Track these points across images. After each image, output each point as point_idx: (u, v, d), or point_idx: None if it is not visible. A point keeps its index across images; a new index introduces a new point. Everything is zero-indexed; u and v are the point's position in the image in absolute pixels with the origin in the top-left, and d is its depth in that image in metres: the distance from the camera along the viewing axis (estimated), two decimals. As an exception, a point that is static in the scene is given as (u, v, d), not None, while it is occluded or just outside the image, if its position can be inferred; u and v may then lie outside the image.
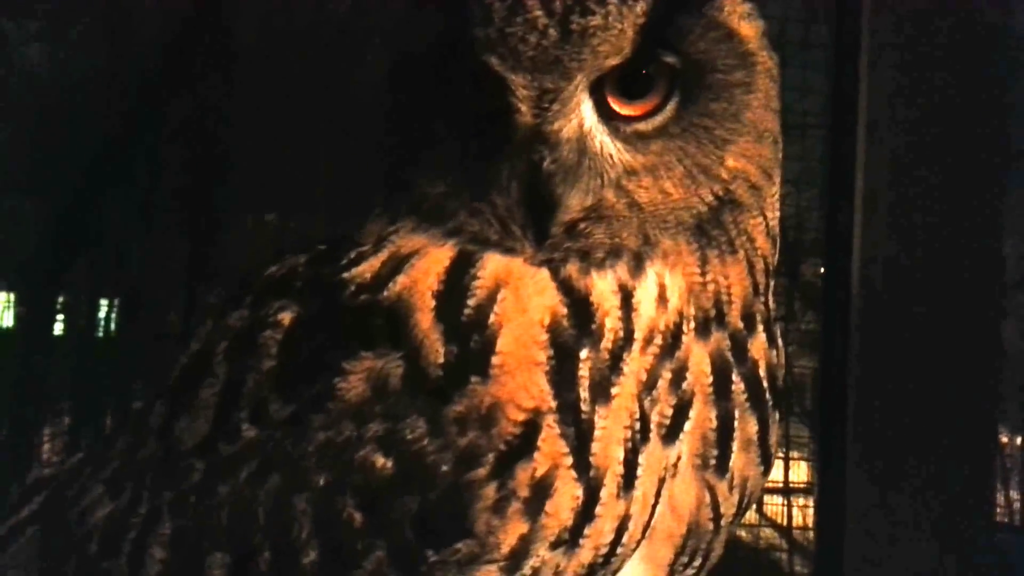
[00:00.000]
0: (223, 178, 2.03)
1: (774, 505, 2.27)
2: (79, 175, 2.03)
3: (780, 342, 0.72)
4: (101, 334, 2.20)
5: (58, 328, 2.23)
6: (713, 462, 0.67)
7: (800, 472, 2.24)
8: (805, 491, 2.23)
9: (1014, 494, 2.26)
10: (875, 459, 1.77)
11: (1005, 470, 2.24)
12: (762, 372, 0.69)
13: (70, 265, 2.17)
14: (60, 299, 2.20)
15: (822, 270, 1.94)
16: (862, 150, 1.80)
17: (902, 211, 1.81)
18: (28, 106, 2.03)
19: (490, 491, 0.60)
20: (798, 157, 1.91)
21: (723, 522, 0.69)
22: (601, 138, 0.63)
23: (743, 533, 2.14)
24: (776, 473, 2.21)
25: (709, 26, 0.64)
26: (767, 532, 2.25)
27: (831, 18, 1.88)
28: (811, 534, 2.17)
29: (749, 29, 0.66)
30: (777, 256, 0.71)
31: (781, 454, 2.19)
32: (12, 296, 2.25)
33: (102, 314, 2.20)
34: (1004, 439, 2.25)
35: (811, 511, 2.18)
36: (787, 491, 2.25)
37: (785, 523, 2.27)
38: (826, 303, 1.87)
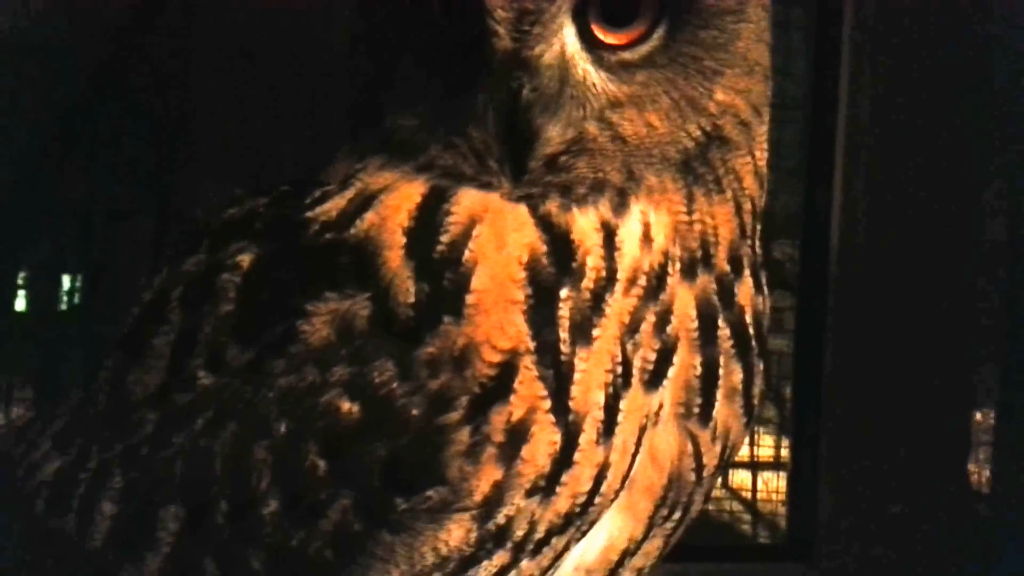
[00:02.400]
0: (187, 148, 2.00)
1: (740, 478, 2.30)
2: (40, 149, 2.00)
3: (766, 289, 0.69)
4: (65, 308, 2.17)
5: (20, 304, 2.19)
6: (696, 411, 0.64)
7: (767, 447, 2.26)
8: (771, 466, 2.25)
9: (985, 468, 2.29)
10: (849, 436, 1.78)
11: (977, 445, 2.27)
12: (748, 319, 0.66)
13: (32, 241, 2.13)
14: (22, 274, 2.17)
15: (797, 250, 1.94)
16: (841, 132, 1.81)
17: (879, 192, 1.82)
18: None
19: (463, 435, 0.57)
20: (773, 139, 1.92)
21: (705, 473, 0.66)
22: (584, 66, 0.60)
23: (710, 506, 2.16)
24: (743, 449, 2.23)
25: None
26: (734, 505, 2.27)
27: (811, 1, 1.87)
28: (778, 508, 2.19)
29: None
30: (765, 197, 0.67)
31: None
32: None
33: (65, 288, 2.17)
34: (978, 416, 2.28)
35: (776, 484, 2.21)
36: (754, 465, 2.27)
37: (751, 497, 2.29)
38: (802, 281, 1.88)
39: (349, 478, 0.58)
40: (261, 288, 0.62)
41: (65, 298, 2.17)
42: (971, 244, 2.03)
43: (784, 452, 2.21)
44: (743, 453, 2.23)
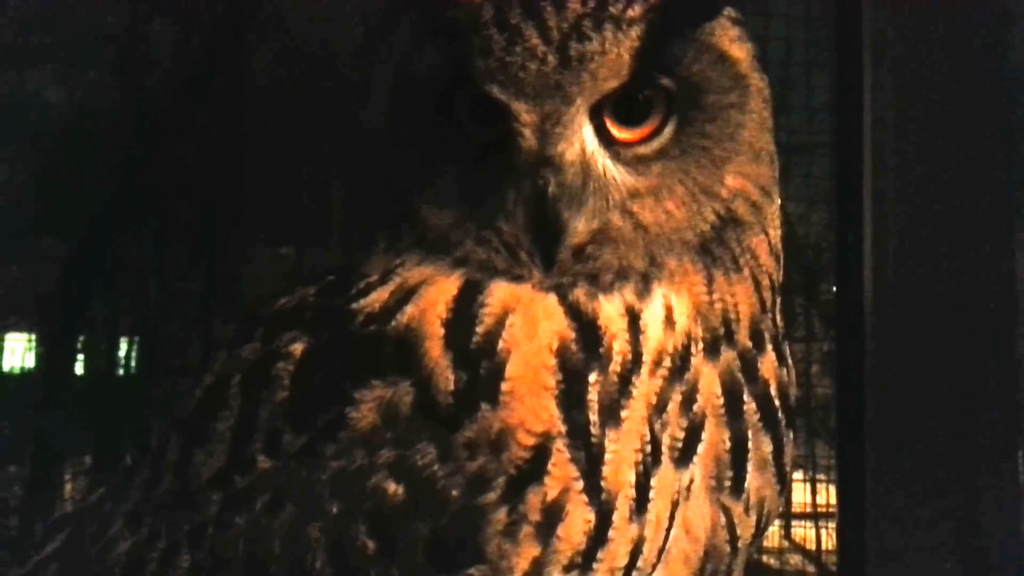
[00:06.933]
0: (237, 213, 2.04)
1: (802, 528, 2.23)
2: (96, 215, 2.06)
3: (790, 360, 0.72)
4: (121, 372, 2.21)
5: (78, 368, 2.24)
6: (728, 484, 0.67)
7: (829, 495, 2.20)
8: (833, 515, 2.19)
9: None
10: (895, 479, 1.74)
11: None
12: (773, 391, 0.69)
13: (89, 304, 2.19)
14: (80, 338, 2.22)
15: (834, 289, 1.92)
16: (868, 170, 1.80)
17: (911, 229, 1.80)
18: (45, 148, 2.06)
19: (501, 515, 0.60)
20: (808, 176, 1.91)
21: (740, 544, 0.68)
22: (604, 161, 0.64)
23: (771, 559, 2.11)
24: (804, 496, 2.17)
25: (702, 49, 0.66)
26: (795, 558, 2.21)
27: (832, 38, 1.88)
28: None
29: (740, 51, 0.68)
30: (782, 273, 0.72)
31: (807, 477, 2.16)
32: (33, 336, 2.27)
33: (122, 352, 2.22)
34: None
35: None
36: (815, 515, 2.21)
37: (814, 548, 2.23)
38: (839, 322, 1.86)
39: (396, 556, 0.61)
40: (313, 376, 0.66)
41: (122, 362, 2.21)
42: (1008, 277, 1.98)
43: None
44: (804, 501, 2.18)
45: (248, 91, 2.01)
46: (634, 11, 0.62)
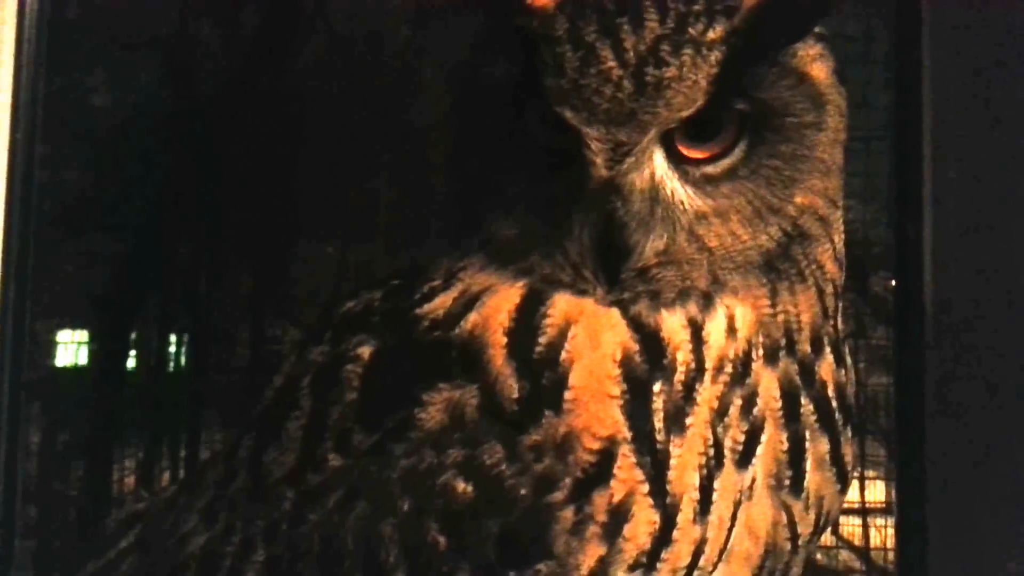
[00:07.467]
0: (286, 211, 2.07)
1: (850, 526, 2.21)
2: (148, 214, 2.09)
3: (848, 360, 0.72)
4: (172, 368, 2.25)
5: (130, 364, 2.28)
6: (787, 483, 0.67)
7: (877, 492, 2.18)
8: (883, 511, 2.17)
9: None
10: (955, 476, 1.72)
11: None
12: (831, 392, 0.69)
13: (141, 302, 2.23)
14: (132, 336, 2.26)
15: (892, 283, 1.90)
16: (928, 160, 1.77)
17: (972, 220, 1.77)
18: (98, 150, 2.10)
19: (568, 514, 0.61)
20: (862, 172, 1.88)
21: (800, 541, 0.69)
22: (672, 185, 0.63)
23: (820, 556, 2.09)
24: (852, 493, 2.15)
25: (782, 73, 0.64)
26: (844, 554, 2.19)
27: (891, 30, 1.85)
28: (889, 555, 2.11)
29: (821, 71, 0.66)
30: (844, 275, 0.71)
31: (856, 473, 2.13)
32: (86, 334, 2.31)
33: (172, 349, 2.25)
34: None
35: (888, 531, 2.12)
36: (864, 511, 2.19)
37: (862, 544, 2.21)
38: (898, 317, 1.83)
39: (466, 552, 0.62)
40: (381, 379, 0.67)
41: (172, 358, 2.25)
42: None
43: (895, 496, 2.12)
44: (852, 498, 2.16)
45: (295, 89, 2.03)
46: (715, 33, 0.60)
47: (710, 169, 0.64)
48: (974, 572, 1.75)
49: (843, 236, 0.71)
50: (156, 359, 2.26)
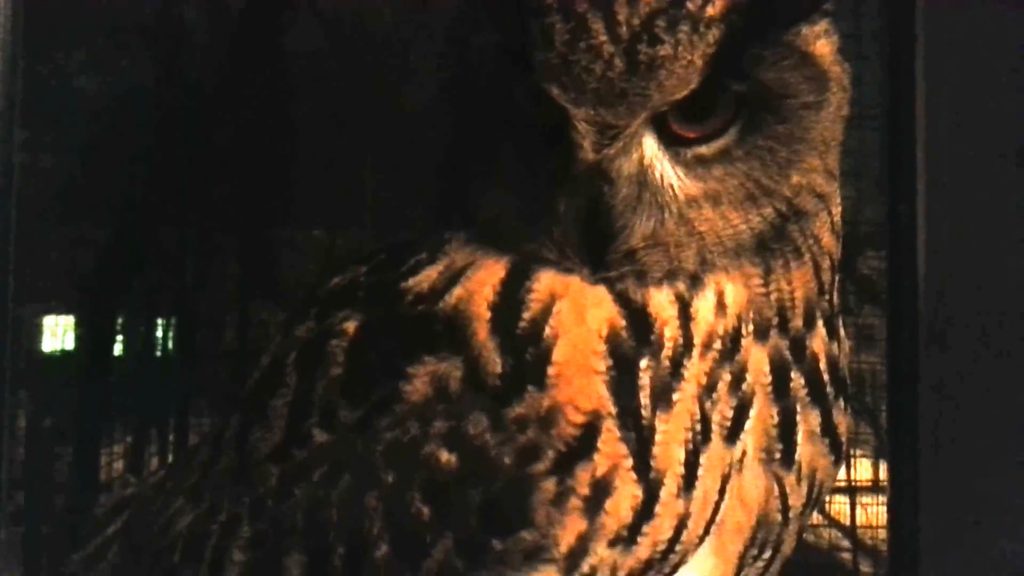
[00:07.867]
0: (272, 197, 2.05)
1: (838, 503, 2.23)
2: (133, 199, 2.07)
3: (842, 333, 0.72)
4: (159, 354, 2.24)
5: (117, 349, 2.27)
6: (778, 456, 0.68)
7: (864, 470, 2.19)
8: (870, 489, 2.19)
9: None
10: (948, 455, 1.73)
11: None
12: (822, 366, 0.69)
13: (127, 287, 2.21)
14: (119, 321, 2.24)
15: (884, 263, 1.90)
16: (922, 138, 1.76)
17: (966, 198, 1.77)
18: (82, 134, 2.08)
19: (550, 485, 0.61)
20: (853, 150, 1.87)
21: (792, 513, 0.69)
22: (662, 168, 0.62)
23: (807, 535, 2.10)
24: (839, 472, 2.15)
25: (784, 53, 0.61)
26: (831, 532, 2.21)
27: (883, 4, 1.84)
28: (878, 533, 2.12)
29: (825, 48, 0.64)
30: (840, 247, 0.70)
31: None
32: (72, 318, 2.30)
33: (159, 334, 2.24)
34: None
35: (876, 509, 2.14)
36: (851, 490, 2.20)
37: (849, 523, 2.22)
38: (891, 296, 1.84)
39: (450, 521, 0.62)
40: (366, 353, 0.67)
41: (160, 343, 2.24)
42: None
43: (883, 475, 2.14)
44: (840, 477, 2.17)
45: (281, 72, 2.02)
46: (714, 9, 0.58)
47: (703, 150, 0.62)
48: (966, 550, 1.76)
49: (840, 208, 0.70)
50: (143, 344, 2.24)
